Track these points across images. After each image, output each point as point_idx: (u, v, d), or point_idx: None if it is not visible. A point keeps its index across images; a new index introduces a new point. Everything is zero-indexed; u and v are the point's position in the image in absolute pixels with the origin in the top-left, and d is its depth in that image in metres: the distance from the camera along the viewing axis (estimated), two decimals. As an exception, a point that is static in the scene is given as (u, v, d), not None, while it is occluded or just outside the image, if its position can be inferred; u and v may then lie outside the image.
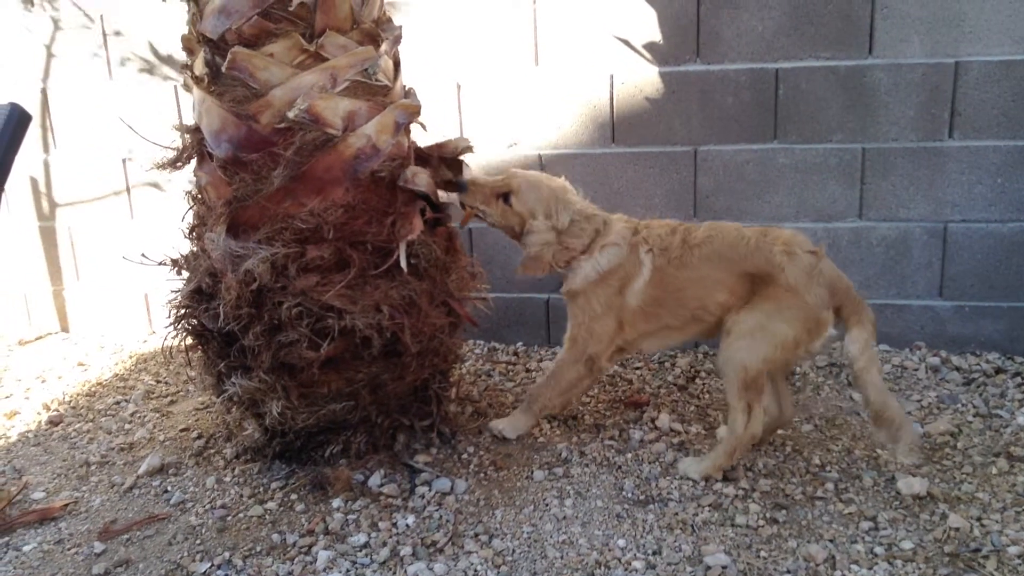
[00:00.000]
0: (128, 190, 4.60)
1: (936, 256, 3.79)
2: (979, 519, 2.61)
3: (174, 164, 3.16)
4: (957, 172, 3.70)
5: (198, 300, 2.99)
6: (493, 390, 3.72)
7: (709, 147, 3.91)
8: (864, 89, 3.72)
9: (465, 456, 3.13)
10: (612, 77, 3.95)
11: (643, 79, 3.92)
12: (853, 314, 2.78)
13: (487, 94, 4.08)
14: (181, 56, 3.08)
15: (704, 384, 3.68)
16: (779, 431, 3.14)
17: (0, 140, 1.44)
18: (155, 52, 4.40)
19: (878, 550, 2.48)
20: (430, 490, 2.91)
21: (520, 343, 4.28)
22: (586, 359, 3.07)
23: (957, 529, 2.56)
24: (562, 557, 2.52)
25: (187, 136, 3.07)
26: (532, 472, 3.00)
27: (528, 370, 3.96)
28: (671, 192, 3.97)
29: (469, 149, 3.21)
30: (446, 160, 3.23)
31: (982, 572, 2.37)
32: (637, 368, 3.89)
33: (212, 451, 3.28)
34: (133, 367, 4.25)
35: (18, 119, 1.47)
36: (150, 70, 4.42)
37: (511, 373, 3.93)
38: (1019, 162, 3.63)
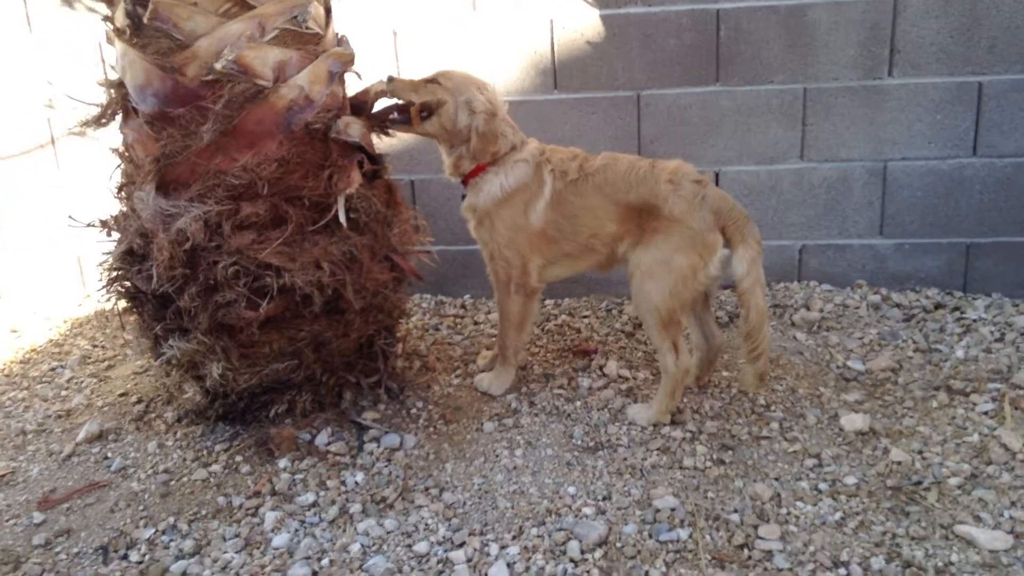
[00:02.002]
0: (55, 149, 4.41)
1: (876, 195, 3.82)
2: (920, 452, 2.67)
3: (99, 121, 3.04)
4: (897, 110, 3.71)
5: (130, 262, 2.90)
6: (441, 344, 3.69)
7: (652, 91, 3.87)
8: (805, 28, 3.69)
9: (414, 411, 3.11)
10: (552, 21, 3.87)
11: (584, 23, 3.84)
12: (737, 233, 2.79)
13: (425, 41, 3.97)
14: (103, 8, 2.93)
15: (651, 330, 3.69)
16: (724, 372, 3.17)
17: None
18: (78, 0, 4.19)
19: (822, 486, 2.53)
20: (379, 446, 2.88)
21: (467, 296, 4.24)
22: (515, 287, 3.07)
23: (899, 463, 2.61)
24: (513, 507, 2.53)
25: (111, 91, 2.95)
26: (482, 424, 2.99)
27: (476, 323, 3.93)
28: (615, 138, 3.93)
29: (383, 94, 3.10)
30: (367, 108, 3.13)
31: (924, 504, 2.42)
32: (585, 316, 3.88)
33: (153, 415, 3.20)
34: (68, 332, 4.12)
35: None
36: (72, 21, 4.21)
37: (459, 326, 3.89)
38: (957, 98, 3.66)
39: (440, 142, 3.12)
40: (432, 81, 3.03)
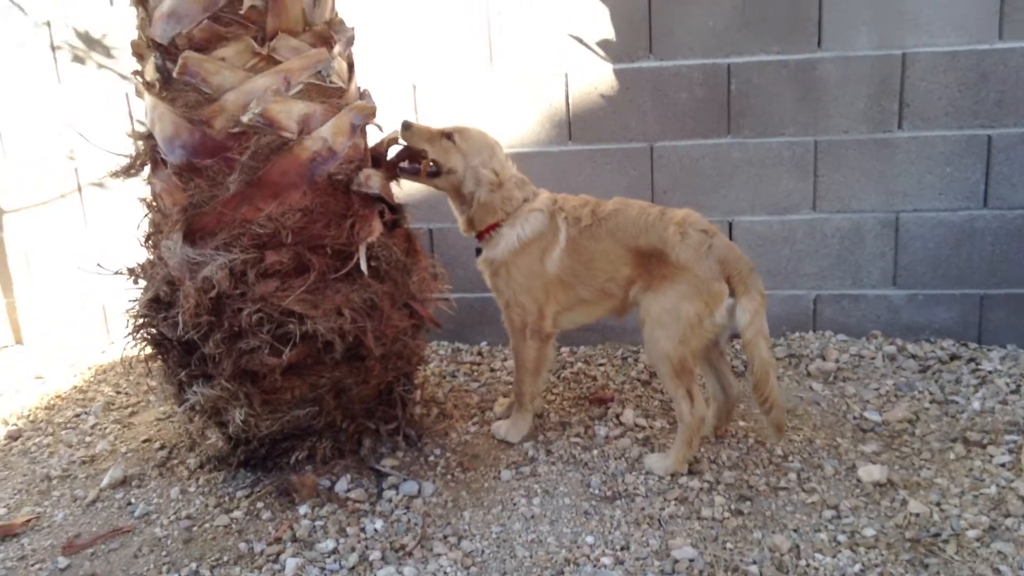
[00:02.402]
0: (81, 198, 4.51)
1: (889, 246, 3.86)
2: (938, 504, 2.68)
3: (127, 172, 3.12)
4: (907, 162, 3.77)
5: (156, 309, 2.95)
6: (458, 391, 3.72)
7: (664, 143, 3.94)
8: (815, 82, 3.77)
9: (432, 458, 3.13)
10: (567, 75, 3.96)
11: (598, 77, 3.94)
12: (741, 284, 2.85)
13: (443, 94, 4.07)
14: (132, 60, 3.03)
15: (667, 378, 3.71)
16: (742, 423, 3.18)
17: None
18: (105, 56, 4.32)
19: (841, 538, 2.53)
20: (397, 493, 2.90)
21: (484, 343, 4.28)
22: (531, 332, 3.11)
23: (917, 515, 2.62)
24: (531, 556, 2.54)
25: (140, 143, 3.03)
26: (499, 472, 3.01)
27: (493, 369, 3.96)
28: (628, 188, 4.00)
29: (396, 141, 3.17)
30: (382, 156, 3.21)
31: (943, 556, 2.42)
32: (601, 364, 3.91)
33: (175, 461, 3.23)
34: (92, 379, 4.18)
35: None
36: (102, 76, 4.34)
37: (476, 373, 3.93)
38: (967, 151, 3.71)
39: (450, 197, 3.21)
40: (448, 136, 3.10)
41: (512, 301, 3.11)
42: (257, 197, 2.82)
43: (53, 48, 4.34)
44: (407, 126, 3.11)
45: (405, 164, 3.15)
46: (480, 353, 4.18)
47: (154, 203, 3.07)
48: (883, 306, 3.93)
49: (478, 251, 3.20)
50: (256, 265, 2.79)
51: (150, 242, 3.07)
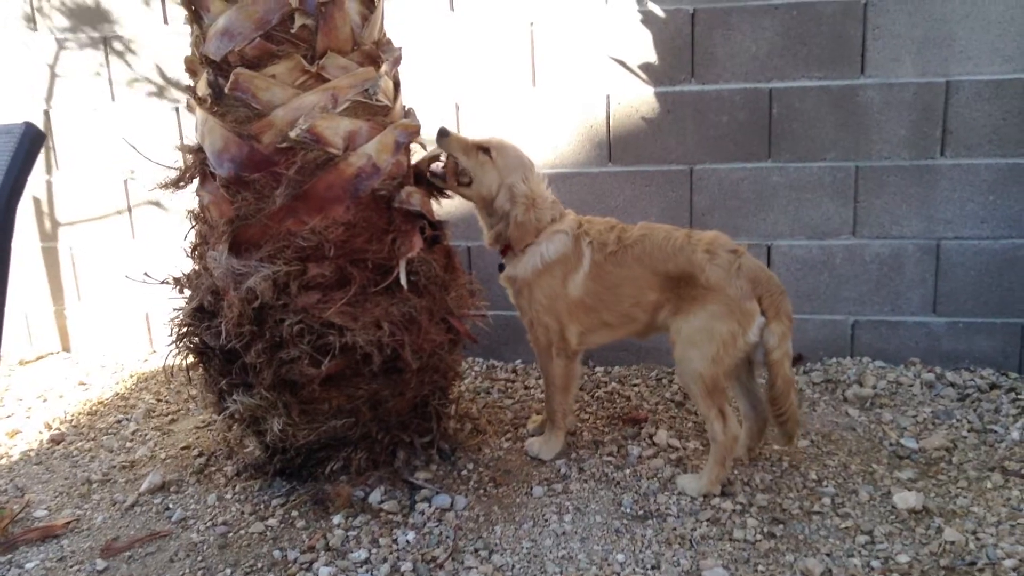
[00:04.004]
0: (130, 210, 4.64)
1: (929, 273, 3.83)
2: (974, 533, 2.64)
3: (177, 184, 3.19)
4: (949, 190, 3.75)
5: (200, 318, 3.01)
6: (492, 407, 3.75)
7: (704, 166, 3.96)
8: (857, 108, 3.77)
9: (465, 472, 3.15)
10: (608, 97, 4.00)
11: (639, 99, 3.97)
12: (772, 308, 2.86)
13: (485, 114, 4.13)
14: (184, 78, 3.12)
15: (701, 400, 3.70)
16: (775, 446, 3.17)
17: (15, 158, 1.47)
18: (158, 74, 4.45)
19: (875, 564, 2.50)
20: (430, 506, 2.93)
21: (519, 360, 4.31)
22: (556, 351, 3.14)
23: (952, 543, 2.58)
24: (561, 572, 2.54)
25: (189, 156, 3.11)
26: (531, 488, 3.02)
27: (527, 387, 3.98)
28: (667, 210, 4.02)
29: (436, 159, 3.23)
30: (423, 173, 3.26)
31: (978, 585, 2.39)
32: (635, 385, 3.92)
33: (213, 469, 3.29)
34: (134, 386, 4.27)
35: (32, 138, 1.50)
36: (154, 92, 4.47)
37: (510, 390, 3.95)
38: (1010, 179, 3.68)
39: (478, 209, 3.22)
40: (484, 149, 3.11)
41: (536, 320, 3.13)
42: (302, 211, 2.88)
43: (109, 66, 4.47)
44: (444, 133, 3.13)
45: (438, 169, 3.18)
46: (514, 370, 4.20)
47: (201, 215, 3.15)
48: (922, 333, 3.89)
49: (501, 267, 3.23)
50: (299, 277, 2.85)
51: (196, 253, 3.15)
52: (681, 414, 3.58)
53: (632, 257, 2.99)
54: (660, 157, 4.00)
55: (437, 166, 3.20)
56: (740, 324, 2.84)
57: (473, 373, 4.17)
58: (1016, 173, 3.67)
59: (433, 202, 3.26)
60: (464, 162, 3.11)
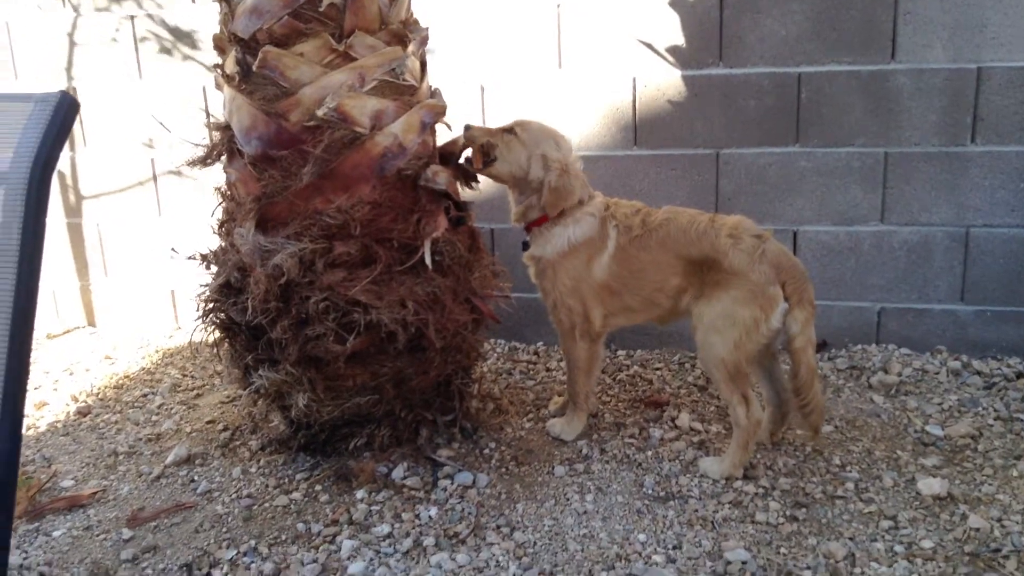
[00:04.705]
0: (156, 187, 4.67)
1: (958, 261, 3.79)
2: (999, 520, 2.62)
3: (204, 161, 3.21)
4: (979, 177, 3.70)
5: (226, 294, 3.04)
6: (514, 388, 3.76)
7: (731, 150, 3.94)
8: (887, 94, 3.73)
9: (487, 451, 3.17)
10: (635, 80, 3.98)
11: (665, 82, 3.95)
12: (795, 294, 2.84)
13: (510, 96, 4.12)
14: (212, 55, 3.13)
15: (724, 385, 3.70)
16: (799, 432, 3.16)
17: (50, 128, 1.48)
18: (185, 51, 4.47)
19: (898, 549, 2.50)
20: (452, 483, 2.94)
21: (541, 343, 4.31)
22: (580, 333, 3.13)
23: (977, 530, 2.57)
24: (583, 550, 2.55)
25: (217, 134, 3.13)
26: (553, 468, 3.03)
27: (548, 369, 3.99)
28: (693, 194, 4.00)
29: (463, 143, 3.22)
30: (455, 158, 3.26)
31: (1002, 572, 2.38)
32: (657, 369, 3.91)
33: (238, 443, 3.33)
34: (160, 361, 4.32)
35: (68, 107, 1.51)
36: (181, 69, 4.49)
37: (532, 372, 3.96)
38: (1042, 167, 3.64)
39: (509, 188, 3.22)
40: (509, 131, 3.13)
41: (559, 302, 3.13)
42: (328, 189, 2.90)
43: (136, 42, 4.50)
44: (468, 127, 3.15)
45: (470, 156, 3.18)
46: (536, 352, 4.21)
47: (228, 192, 3.17)
48: (949, 321, 3.86)
49: (525, 245, 3.22)
50: (325, 255, 2.87)
51: (223, 229, 3.17)
52: (704, 398, 3.57)
53: (656, 241, 2.98)
54: (686, 141, 3.98)
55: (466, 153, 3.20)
56: (763, 310, 2.82)
57: (495, 354, 4.18)
58: (1048, 161, 3.62)
59: (462, 187, 3.27)
60: (493, 142, 3.11)
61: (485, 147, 3.12)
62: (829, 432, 3.23)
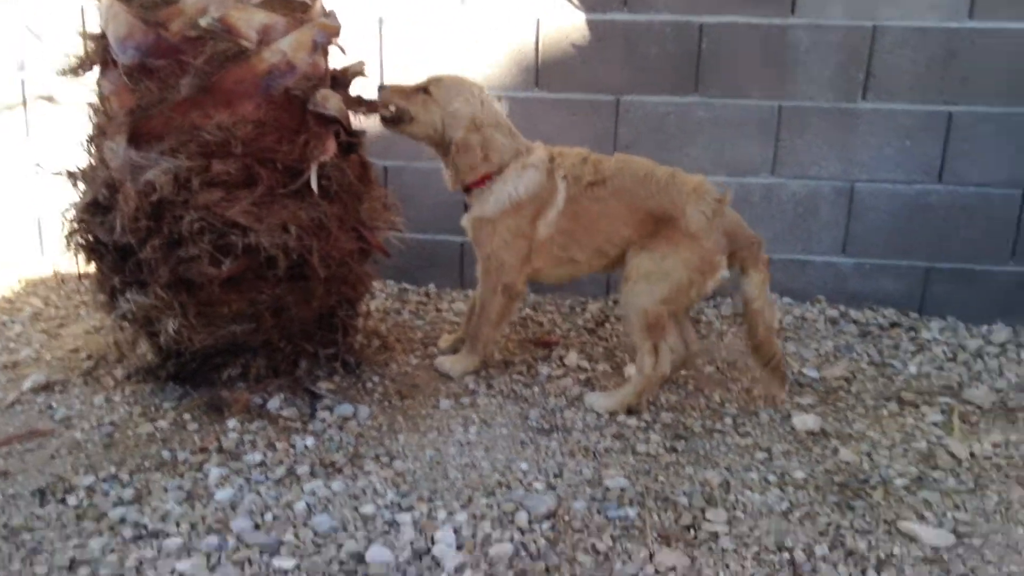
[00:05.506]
0: (25, 110, 4.35)
1: (842, 214, 3.89)
2: (868, 455, 2.70)
3: (76, 71, 3.00)
4: (868, 133, 3.79)
5: (93, 212, 2.86)
6: (402, 326, 3.67)
7: (632, 97, 3.91)
8: (784, 48, 3.77)
9: (370, 385, 3.08)
10: (539, 21, 3.90)
11: (570, 25, 3.89)
12: (750, 258, 2.88)
13: (410, 31, 3.99)
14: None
15: (613, 328, 3.70)
16: (683, 371, 3.18)
17: None
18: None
19: (771, 478, 2.54)
20: (332, 414, 2.85)
21: (432, 284, 4.22)
22: (502, 288, 3.04)
23: (847, 463, 2.64)
24: (464, 478, 2.51)
25: (91, 43, 2.92)
26: (438, 401, 2.97)
27: (439, 310, 3.91)
28: (592, 141, 3.93)
29: (361, 73, 3.11)
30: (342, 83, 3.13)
31: (870, 500, 2.44)
32: (548, 312, 3.89)
33: (102, 372, 3.14)
34: (21, 291, 4.02)
35: None
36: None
37: (422, 312, 3.88)
38: (927, 126, 3.74)
39: (437, 152, 3.10)
40: (424, 89, 3.01)
41: (492, 255, 3.01)
42: (208, 104, 2.74)
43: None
44: (382, 87, 3.04)
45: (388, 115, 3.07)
46: (427, 294, 4.12)
47: (101, 106, 2.96)
48: (831, 273, 3.96)
49: (466, 208, 3.10)
50: (202, 173, 2.71)
51: (93, 144, 2.97)
52: (592, 339, 3.57)
53: (610, 191, 2.90)
54: (588, 85, 3.93)
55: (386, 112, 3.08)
56: (702, 275, 2.82)
57: (385, 295, 4.07)
58: (933, 120, 3.73)
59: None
60: (405, 106, 2.99)
61: (400, 109, 3.00)
62: (711, 373, 3.27)
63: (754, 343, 2.92)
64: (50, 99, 4.34)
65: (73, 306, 3.78)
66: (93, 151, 2.96)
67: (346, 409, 2.87)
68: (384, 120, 3.07)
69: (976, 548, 2.25)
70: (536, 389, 3.07)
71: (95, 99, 2.98)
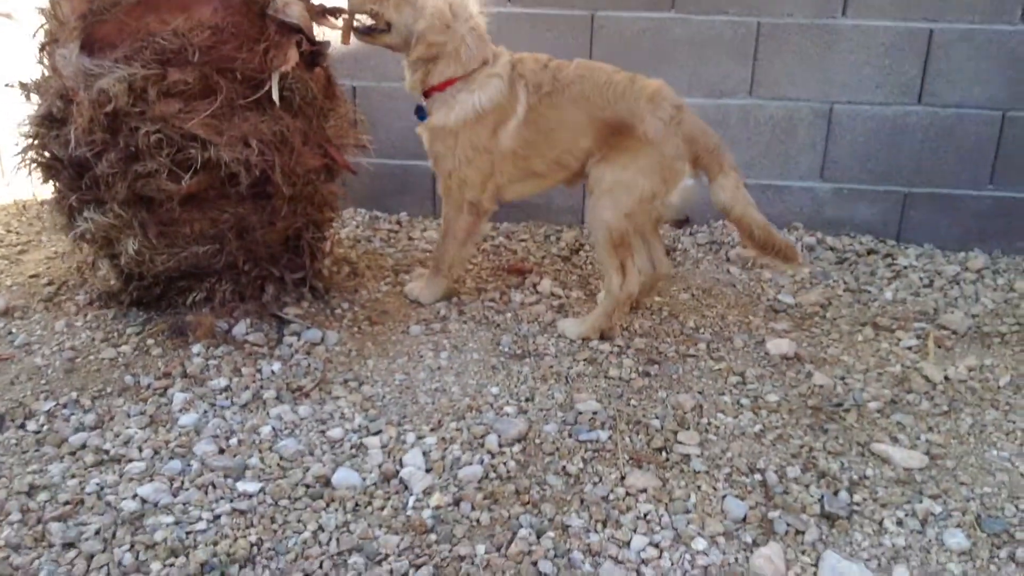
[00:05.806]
0: (-26, 23, 4.14)
1: (820, 137, 3.81)
2: (843, 378, 2.69)
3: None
4: (847, 52, 3.69)
5: (48, 126, 2.75)
6: (372, 254, 3.58)
7: (607, 12, 3.77)
8: (764, -41, 3.64)
9: (339, 311, 3.02)
10: (512, -71, 3.75)
11: (543, -67, 3.73)
12: (715, 163, 2.75)
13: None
14: None
15: (587, 256, 3.64)
16: (657, 297, 3.14)
17: None
18: None
19: (744, 401, 2.53)
20: (299, 340, 2.79)
21: (403, 212, 4.12)
22: (468, 206, 2.94)
23: (821, 386, 2.63)
24: (433, 403, 2.47)
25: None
26: (408, 327, 2.92)
27: (411, 238, 3.83)
28: (566, 57, 3.82)
29: None
30: None
31: (843, 423, 2.44)
32: (523, 240, 3.81)
33: (63, 297, 3.04)
34: (-20, 216, 3.90)
35: None
36: None
37: (392, 240, 3.79)
38: (908, 44, 3.64)
39: (406, 59, 2.91)
40: None
41: (454, 172, 2.89)
42: (163, 8, 2.62)
43: None
44: None
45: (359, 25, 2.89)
46: (398, 222, 4.02)
47: (52, 12, 2.81)
48: (808, 198, 3.90)
49: (419, 112, 2.94)
50: (158, 82, 2.59)
51: (44, 53, 2.82)
52: (567, 267, 3.51)
53: (568, 99, 2.79)
54: (561, 0, 3.79)
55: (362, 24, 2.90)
56: (665, 183, 2.73)
57: (355, 223, 3.96)
58: (913, 37, 3.63)
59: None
60: (379, 10, 2.80)
61: (373, 14, 2.83)
62: (686, 299, 3.23)
63: (755, 245, 2.78)
64: (8, 16, 4.13)
65: (35, 232, 3.65)
66: (46, 60, 2.82)
67: (314, 334, 2.80)
68: (357, 32, 2.89)
69: (949, 470, 2.25)
70: (509, 315, 3.02)
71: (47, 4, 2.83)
